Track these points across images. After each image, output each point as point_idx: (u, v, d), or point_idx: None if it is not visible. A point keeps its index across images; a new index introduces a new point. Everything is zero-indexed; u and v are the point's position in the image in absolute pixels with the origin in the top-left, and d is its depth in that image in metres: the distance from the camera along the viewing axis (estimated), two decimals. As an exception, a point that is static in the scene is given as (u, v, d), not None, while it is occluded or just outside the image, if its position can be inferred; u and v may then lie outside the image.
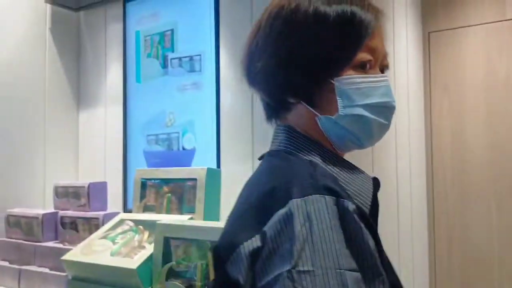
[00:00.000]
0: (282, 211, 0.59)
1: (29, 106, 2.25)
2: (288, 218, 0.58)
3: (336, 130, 0.70)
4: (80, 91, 2.46)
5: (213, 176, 1.71)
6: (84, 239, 1.85)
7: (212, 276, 1.32)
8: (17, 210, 2.04)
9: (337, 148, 0.73)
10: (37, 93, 2.29)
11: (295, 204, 0.58)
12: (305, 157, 0.69)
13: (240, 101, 1.90)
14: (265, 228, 0.59)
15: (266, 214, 0.60)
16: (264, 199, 0.62)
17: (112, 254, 1.54)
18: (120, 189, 2.23)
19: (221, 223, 1.37)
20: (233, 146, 1.91)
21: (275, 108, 0.75)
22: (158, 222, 1.47)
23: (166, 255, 1.42)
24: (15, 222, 2.01)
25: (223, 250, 0.64)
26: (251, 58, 0.74)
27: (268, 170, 0.70)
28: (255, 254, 0.58)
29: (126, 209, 2.22)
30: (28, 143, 2.24)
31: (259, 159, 0.78)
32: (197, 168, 1.72)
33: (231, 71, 1.92)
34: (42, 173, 2.28)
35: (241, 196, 0.73)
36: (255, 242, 0.59)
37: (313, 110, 0.70)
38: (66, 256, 1.59)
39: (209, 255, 1.34)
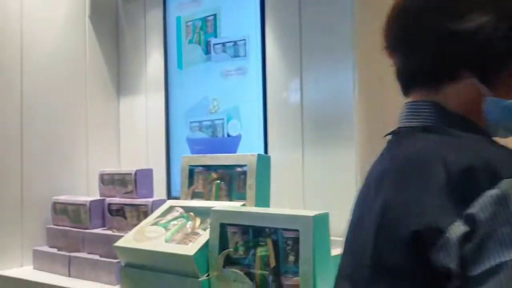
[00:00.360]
0: (492, 192, 0.54)
1: (71, 96, 2.26)
2: (503, 199, 0.53)
3: (500, 115, 0.66)
4: (120, 79, 2.46)
5: (263, 162, 1.69)
6: (132, 225, 1.85)
7: (272, 263, 1.30)
8: (63, 198, 2.06)
9: (488, 132, 0.68)
10: (78, 82, 2.29)
11: (509, 184, 0.54)
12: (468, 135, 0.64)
13: (288, 85, 1.86)
14: (472, 211, 0.54)
15: (466, 195, 0.55)
16: (459, 179, 0.57)
17: (166, 241, 1.53)
18: (163, 176, 2.22)
19: (279, 209, 1.35)
20: (281, 132, 1.87)
21: (428, 81, 0.69)
22: (213, 208, 1.45)
23: (223, 242, 1.41)
24: (62, 209, 2.02)
25: (425, 235, 0.57)
26: (415, 18, 0.68)
27: (446, 146, 0.62)
28: (463, 239, 0.54)
29: (169, 196, 2.21)
30: (71, 132, 2.24)
31: (390, 134, 0.73)
32: (247, 155, 1.69)
33: (278, 55, 1.88)
34: (85, 162, 2.29)
35: (405, 175, 0.64)
36: (461, 225, 0.54)
37: (484, 88, 0.65)
38: (119, 243, 1.59)
39: (269, 242, 1.31)
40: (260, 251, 1.33)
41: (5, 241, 1.95)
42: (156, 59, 2.31)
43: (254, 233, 1.36)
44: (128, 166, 2.38)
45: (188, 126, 2.17)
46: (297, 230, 1.24)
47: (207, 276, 1.40)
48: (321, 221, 1.23)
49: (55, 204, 2.05)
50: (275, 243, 1.31)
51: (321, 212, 1.24)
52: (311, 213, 1.23)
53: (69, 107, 2.24)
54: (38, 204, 2.07)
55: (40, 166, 2.10)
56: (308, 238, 1.20)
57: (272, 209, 1.35)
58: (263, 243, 1.33)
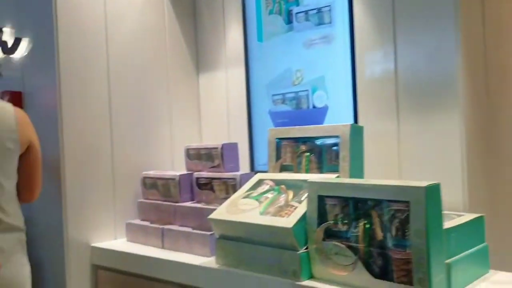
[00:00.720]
0: None
1: (153, 74, 2.29)
2: None
3: None
4: (199, 55, 2.46)
5: (357, 132, 1.62)
6: (220, 199, 1.86)
7: (379, 236, 1.24)
8: (152, 173, 2.10)
9: None
10: (159, 60, 2.31)
11: None
12: None
13: (380, 51, 1.76)
14: None
15: None
16: None
17: (260, 213, 1.51)
18: (245, 150, 2.21)
19: (383, 181, 1.28)
20: (372, 101, 1.79)
21: None
22: (310, 180, 1.42)
23: (321, 215, 1.37)
24: (151, 184, 2.07)
25: None
26: None
27: None
28: None
29: (253, 170, 2.21)
30: (155, 110, 2.28)
31: None
32: (339, 125, 1.63)
33: (368, 19, 1.78)
34: (169, 137, 2.33)
35: None
36: None
37: None
38: (213, 215, 1.59)
39: (374, 214, 1.26)
40: (363, 224, 1.27)
41: (99, 216, 2.04)
42: (235, 33, 2.29)
43: (355, 205, 1.31)
44: (209, 141, 2.40)
45: (270, 99, 2.14)
46: (406, 202, 1.17)
47: (305, 249, 1.37)
48: (433, 191, 1.15)
49: (144, 179, 2.10)
50: (380, 216, 1.25)
51: (432, 182, 1.16)
52: (422, 183, 1.15)
53: (152, 85, 2.28)
54: (128, 179, 2.14)
55: (128, 144, 2.16)
56: (420, 210, 1.13)
57: (376, 180, 1.29)
58: (366, 216, 1.28)
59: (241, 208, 1.57)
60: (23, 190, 1.60)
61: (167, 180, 2.00)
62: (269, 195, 1.62)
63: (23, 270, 1.53)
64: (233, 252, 1.53)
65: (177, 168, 2.30)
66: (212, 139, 2.38)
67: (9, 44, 2.10)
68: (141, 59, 2.23)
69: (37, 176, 1.65)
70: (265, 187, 1.68)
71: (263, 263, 1.45)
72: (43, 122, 1.88)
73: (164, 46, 2.33)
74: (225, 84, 2.35)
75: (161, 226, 1.90)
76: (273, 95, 2.12)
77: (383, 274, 1.23)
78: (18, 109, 1.59)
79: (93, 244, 1.99)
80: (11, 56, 2.10)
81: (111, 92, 2.10)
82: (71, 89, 1.97)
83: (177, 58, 2.39)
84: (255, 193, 1.66)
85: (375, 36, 1.76)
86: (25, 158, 1.58)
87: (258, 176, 1.75)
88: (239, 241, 1.52)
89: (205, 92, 2.45)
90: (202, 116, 2.46)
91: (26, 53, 2.08)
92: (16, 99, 2.05)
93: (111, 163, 2.10)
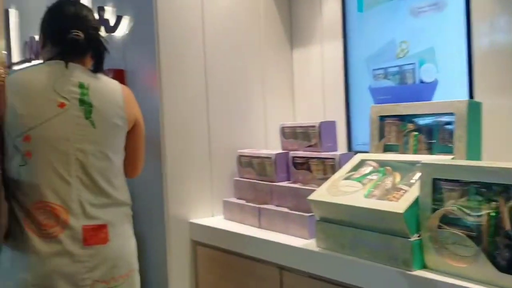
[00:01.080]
0: None
1: (247, 50, 2.24)
2: None
3: None
4: (293, 28, 2.37)
5: (474, 109, 1.46)
6: (317, 179, 1.79)
7: (507, 225, 1.10)
8: (247, 151, 2.08)
9: None
10: (252, 35, 2.26)
11: None
12: None
13: (499, 19, 1.56)
14: None
15: None
16: None
17: (365, 196, 1.43)
18: (342, 129, 2.11)
19: (510, 164, 1.13)
20: (490, 75, 1.60)
21: None
22: (424, 162, 1.30)
23: (436, 200, 1.25)
24: (247, 163, 2.05)
25: None
26: None
27: None
28: None
29: (350, 150, 2.11)
30: (249, 88, 2.25)
31: None
32: (454, 101, 1.48)
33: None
34: (263, 115, 2.29)
35: None
36: None
37: None
38: (313, 196, 1.53)
39: (501, 201, 1.12)
40: (487, 211, 1.14)
41: (198, 193, 2.06)
42: (332, 3, 2.17)
43: (477, 190, 1.18)
44: (303, 119, 2.33)
45: (371, 74, 2.01)
46: (545, 189, 1.02)
47: (418, 237, 1.27)
48: None
49: (240, 157, 2.09)
50: (508, 203, 1.11)
51: None
52: None
53: (246, 62, 2.24)
54: (223, 157, 2.14)
55: (223, 121, 2.15)
56: None
57: (504, 163, 1.14)
58: (490, 202, 1.14)
59: (343, 190, 1.49)
60: (128, 166, 1.65)
61: (262, 158, 1.97)
62: (373, 177, 1.52)
63: (130, 242, 1.59)
64: (335, 236, 1.46)
65: (270, 147, 2.27)
66: (306, 117, 2.31)
67: (111, 23, 2.16)
68: (235, 35, 2.20)
69: (141, 153, 1.69)
70: (367, 169, 1.58)
71: (368, 248, 1.36)
72: (144, 100, 1.92)
73: (258, 20, 2.28)
74: (320, 59, 2.25)
75: (257, 205, 1.88)
76: (374, 69, 1.99)
77: (510, 267, 1.10)
78: (124, 87, 1.63)
79: (191, 220, 2.03)
80: (112, 34, 2.16)
81: (206, 69, 2.10)
82: (170, 66, 1.99)
83: (271, 33, 2.32)
84: (357, 174, 1.57)
85: (495, 1, 1.56)
86: (131, 135, 1.62)
87: (359, 157, 1.65)
88: (341, 224, 1.45)
89: (299, 68, 2.37)
90: (296, 93, 2.39)
91: (127, 31, 2.14)
92: (119, 76, 2.11)
93: (208, 141, 2.11)
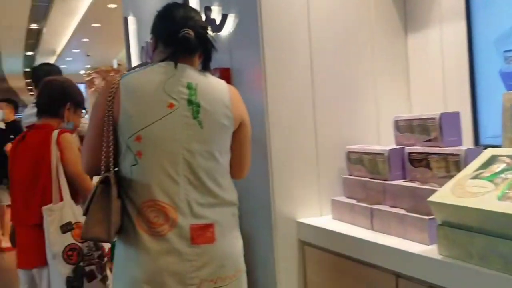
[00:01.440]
0: None
1: (357, 39, 2.09)
2: None
3: None
4: (407, 11, 2.17)
5: None
6: (439, 178, 1.60)
7: None
8: (357, 147, 1.95)
9: None
10: (362, 22, 2.11)
11: None
12: None
13: None
14: None
15: None
16: None
17: (498, 198, 1.22)
18: (467, 120, 1.87)
19: None
20: None
21: None
22: None
23: None
24: (356, 159, 1.92)
25: None
26: None
27: None
28: None
29: (477, 143, 1.86)
30: (358, 79, 2.10)
31: None
32: None
33: None
34: (374, 108, 2.13)
35: None
36: None
37: None
38: (435, 198, 1.36)
39: None
40: None
41: (304, 191, 1.98)
42: (452, -20, 1.93)
43: None
44: (420, 110, 2.11)
45: (502, 56, 1.74)
46: None
47: None
48: None
49: (349, 153, 1.96)
50: None
51: None
52: None
53: (355, 51, 2.10)
54: (331, 154, 2.03)
55: (331, 116, 2.04)
56: None
57: None
58: None
59: (471, 191, 1.30)
60: (234, 168, 1.62)
61: (374, 155, 1.82)
62: (508, 176, 1.30)
63: (237, 243, 1.56)
64: (461, 243, 1.28)
65: (383, 142, 2.10)
66: (423, 109, 2.09)
67: (217, 22, 2.17)
68: (344, 22, 2.06)
69: (247, 154, 1.66)
70: (500, 166, 1.36)
71: (502, 259, 1.17)
72: (250, 99, 1.89)
73: (368, 5, 2.11)
74: (439, 43, 2.02)
75: (369, 206, 1.74)
76: (505, 51, 1.73)
77: None
78: (231, 86, 1.61)
79: (298, 220, 1.95)
80: (218, 34, 2.17)
81: (313, 63, 2.00)
82: (275, 64, 1.93)
83: (383, 18, 2.14)
84: (487, 172, 1.36)
85: None
86: (237, 135, 1.59)
87: (489, 152, 1.43)
88: (469, 230, 1.26)
89: (415, 54, 2.16)
90: (411, 83, 2.19)
91: (232, 30, 2.13)
92: (225, 75, 2.11)
93: (315, 137, 2.01)
